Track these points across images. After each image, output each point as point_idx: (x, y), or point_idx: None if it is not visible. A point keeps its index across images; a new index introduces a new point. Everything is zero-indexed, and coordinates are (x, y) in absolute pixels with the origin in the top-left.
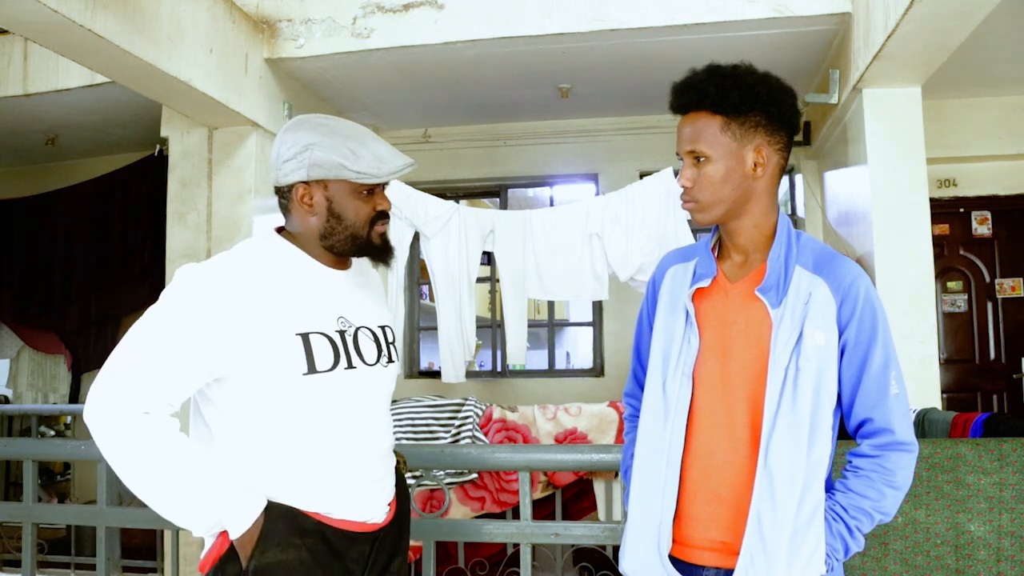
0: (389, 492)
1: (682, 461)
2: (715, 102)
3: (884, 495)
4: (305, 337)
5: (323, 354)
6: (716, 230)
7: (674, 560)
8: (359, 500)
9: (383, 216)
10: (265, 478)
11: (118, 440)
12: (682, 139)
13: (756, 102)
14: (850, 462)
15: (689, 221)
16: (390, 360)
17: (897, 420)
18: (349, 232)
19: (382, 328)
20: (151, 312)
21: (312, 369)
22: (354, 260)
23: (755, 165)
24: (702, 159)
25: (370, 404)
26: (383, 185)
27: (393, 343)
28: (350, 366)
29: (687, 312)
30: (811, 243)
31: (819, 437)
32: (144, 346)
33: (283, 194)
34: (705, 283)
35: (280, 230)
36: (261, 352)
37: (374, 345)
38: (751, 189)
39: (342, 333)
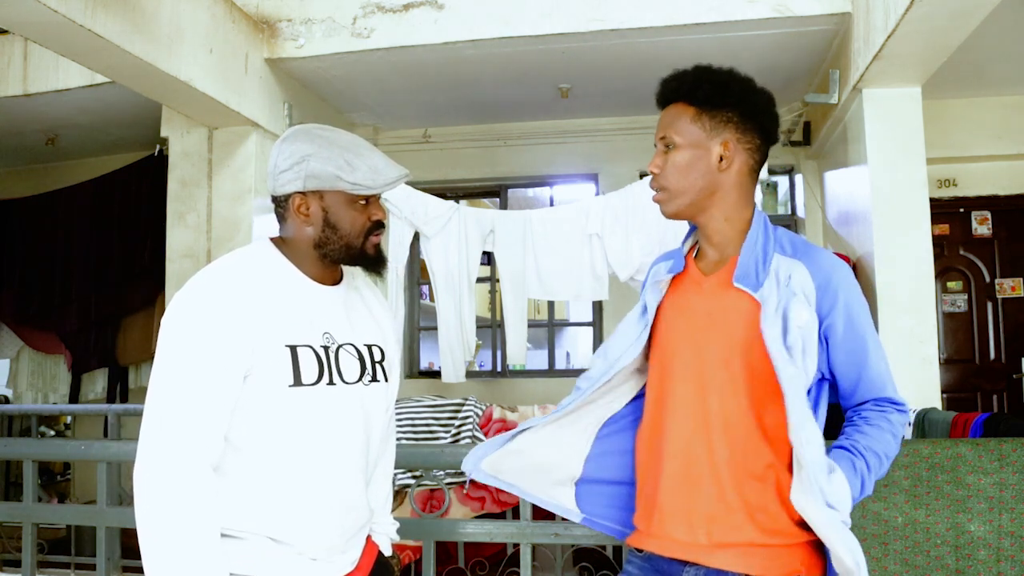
0: (357, 530)
1: (662, 453)
2: (688, 92)
3: (890, 445)
4: (293, 349)
5: (309, 368)
6: (692, 231)
7: (652, 558)
8: (321, 526)
9: (378, 226)
10: (229, 491)
11: (172, 494)
12: (658, 128)
13: (729, 97)
14: (857, 414)
15: (689, 223)
16: (374, 379)
17: (896, 396)
18: (344, 242)
19: (368, 347)
20: (165, 356)
21: (298, 381)
22: (346, 276)
23: (720, 158)
24: (671, 146)
25: (346, 421)
26: (378, 195)
27: (382, 362)
28: (331, 382)
29: (644, 305)
30: (787, 234)
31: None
32: (175, 392)
33: (280, 203)
34: (672, 274)
35: (274, 239)
36: (254, 363)
37: (356, 363)
38: (717, 182)
39: (326, 349)
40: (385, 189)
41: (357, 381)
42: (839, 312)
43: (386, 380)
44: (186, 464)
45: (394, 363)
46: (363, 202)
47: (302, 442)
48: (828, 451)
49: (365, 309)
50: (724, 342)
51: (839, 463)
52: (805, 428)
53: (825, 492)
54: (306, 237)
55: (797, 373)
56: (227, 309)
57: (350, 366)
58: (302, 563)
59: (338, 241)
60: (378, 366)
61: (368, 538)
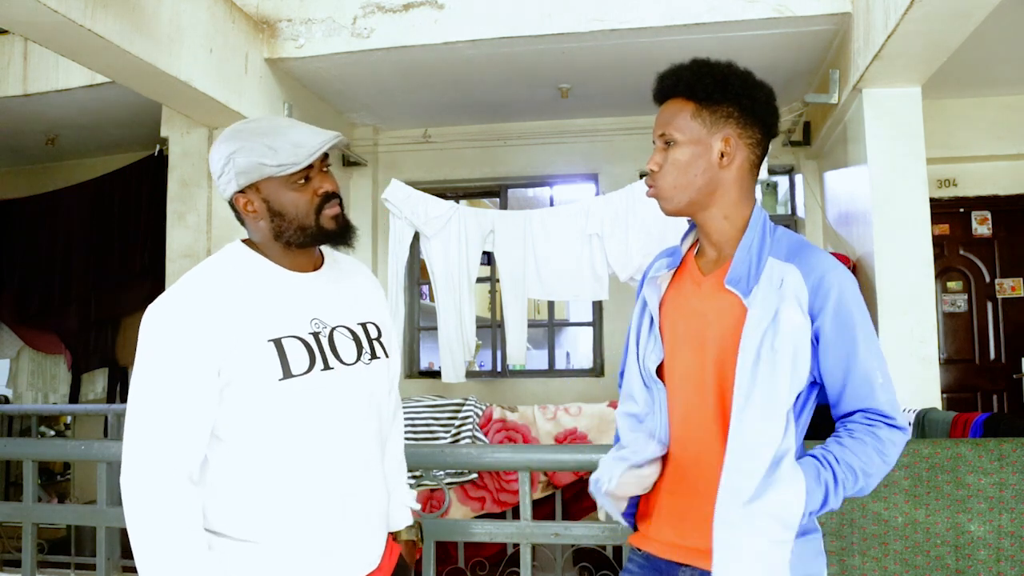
0: (378, 519)
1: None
2: (689, 87)
3: (872, 461)
4: (278, 342)
5: (297, 358)
6: (692, 228)
7: (651, 558)
8: (338, 519)
9: (330, 198)
10: (237, 496)
11: (152, 506)
12: (656, 125)
13: (729, 92)
14: (843, 426)
15: (689, 220)
16: (373, 356)
17: (889, 409)
18: (296, 224)
19: (363, 325)
20: (142, 368)
21: (288, 374)
22: (327, 259)
23: (722, 155)
24: (671, 143)
25: (351, 403)
26: (324, 167)
27: (379, 338)
28: (327, 367)
29: (645, 303)
30: (786, 235)
31: (790, 419)
32: (154, 405)
33: (232, 207)
34: (671, 270)
35: (244, 239)
36: (238, 364)
37: (352, 343)
38: (717, 179)
39: (316, 335)
40: (312, 159)
41: (356, 361)
42: (828, 313)
43: (386, 355)
44: (162, 474)
45: (392, 336)
46: (302, 180)
47: (305, 433)
48: (799, 459)
49: (352, 288)
50: (721, 345)
51: (804, 470)
52: (752, 424)
53: (757, 495)
54: (264, 231)
55: (755, 378)
56: (193, 318)
57: (346, 347)
58: (319, 560)
59: (289, 226)
60: (376, 343)
61: (390, 539)
